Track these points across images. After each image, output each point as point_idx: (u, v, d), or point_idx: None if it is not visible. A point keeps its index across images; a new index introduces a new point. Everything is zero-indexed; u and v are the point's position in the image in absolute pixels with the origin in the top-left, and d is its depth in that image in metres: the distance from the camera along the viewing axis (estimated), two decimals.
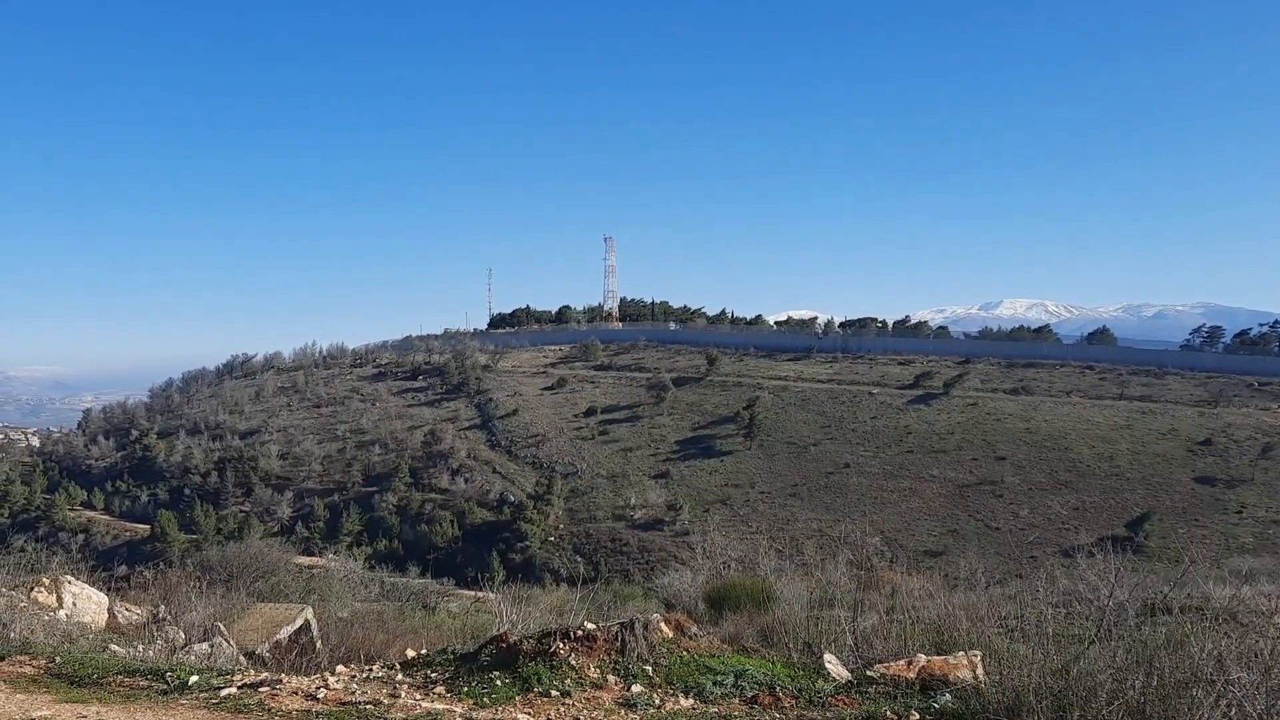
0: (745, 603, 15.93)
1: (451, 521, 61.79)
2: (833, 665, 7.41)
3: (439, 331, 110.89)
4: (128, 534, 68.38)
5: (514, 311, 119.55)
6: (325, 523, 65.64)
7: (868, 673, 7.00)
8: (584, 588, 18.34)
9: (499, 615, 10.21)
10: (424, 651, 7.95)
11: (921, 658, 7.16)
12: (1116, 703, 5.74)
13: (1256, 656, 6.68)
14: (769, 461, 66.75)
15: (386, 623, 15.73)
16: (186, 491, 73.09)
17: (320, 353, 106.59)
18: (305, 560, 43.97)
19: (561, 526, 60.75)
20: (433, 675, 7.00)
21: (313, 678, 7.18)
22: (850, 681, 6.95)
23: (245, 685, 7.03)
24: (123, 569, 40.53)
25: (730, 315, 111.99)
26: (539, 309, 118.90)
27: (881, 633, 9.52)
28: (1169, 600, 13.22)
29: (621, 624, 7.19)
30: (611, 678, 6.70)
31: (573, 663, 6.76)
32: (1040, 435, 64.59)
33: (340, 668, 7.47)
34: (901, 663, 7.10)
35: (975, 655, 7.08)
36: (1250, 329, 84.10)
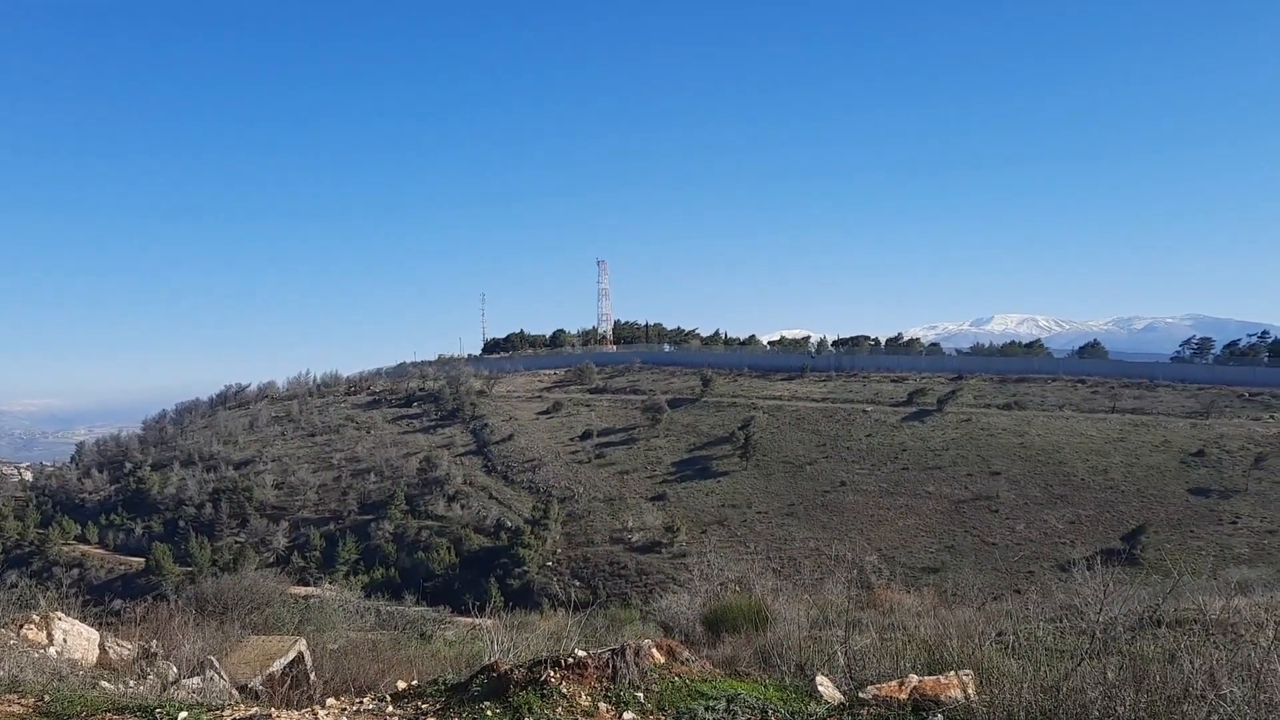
0: (742, 624, 15.79)
1: (448, 548, 61.47)
2: (825, 687, 7.39)
3: (433, 358, 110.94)
4: (122, 567, 67.89)
5: (508, 336, 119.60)
6: (321, 552, 65.22)
7: (860, 694, 6.98)
8: (580, 613, 18.26)
9: (490, 643, 10.16)
10: (415, 682, 7.92)
11: (914, 678, 7.13)
12: None
13: (1248, 670, 6.68)
14: (765, 481, 66.64)
15: (381, 653, 15.63)
16: (181, 523, 72.67)
17: (314, 381, 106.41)
18: (301, 590, 43.70)
19: (559, 551, 60.46)
20: (423, 706, 6.96)
21: (303, 711, 7.14)
22: (842, 703, 6.93)
23: (235, 719, 6.99)
24: (117, 603, 40.14)
25: (724, 336, 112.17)
26: (533, 333, 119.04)
27: (874, 653, 9.49)
28: (1162, 613, 13.21)
29: (613, 651, 7.16)
30: (603, 705, 6.67)
31: (564, 691, 6.72)
32: (1034, 450, 64.65)
33: (331, 700, 7.43)
34: (894, 683, 7.08)
35: (967, 674, 7.06)
36: (1239, 340, 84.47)
